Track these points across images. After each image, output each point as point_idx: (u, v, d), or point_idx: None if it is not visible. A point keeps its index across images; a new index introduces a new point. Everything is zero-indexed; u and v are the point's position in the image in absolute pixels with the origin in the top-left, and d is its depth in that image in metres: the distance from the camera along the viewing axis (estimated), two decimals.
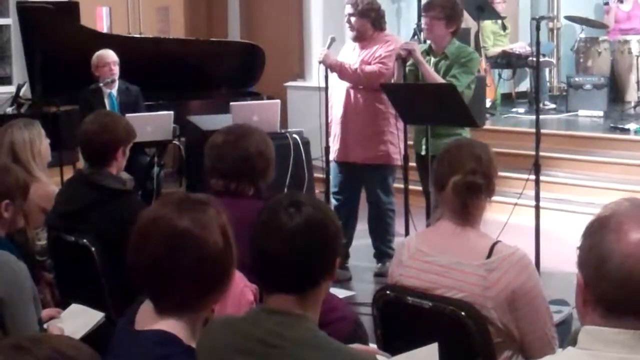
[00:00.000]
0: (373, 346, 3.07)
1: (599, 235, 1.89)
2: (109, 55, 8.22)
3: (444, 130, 6.20)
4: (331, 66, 6.94)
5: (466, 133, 6.31)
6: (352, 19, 6.93)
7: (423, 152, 6.35)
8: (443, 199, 3.47)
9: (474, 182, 3.39)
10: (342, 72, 6.95)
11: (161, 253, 2.26)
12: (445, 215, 3.46)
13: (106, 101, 8.20)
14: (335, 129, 7.13)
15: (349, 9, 6.95)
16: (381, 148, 6.96)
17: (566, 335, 3.16)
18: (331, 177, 7.18)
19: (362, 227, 7.56)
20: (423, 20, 6.56)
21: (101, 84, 8.11)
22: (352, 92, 7.01)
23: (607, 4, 12.48)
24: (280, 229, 2.43)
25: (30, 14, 9.13)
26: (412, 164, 6.51)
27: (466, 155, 3.45)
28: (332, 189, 7.20)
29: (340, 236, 2.55)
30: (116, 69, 8.21)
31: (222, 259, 2.31)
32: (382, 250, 7.11)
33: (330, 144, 7.10)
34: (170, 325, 2.28)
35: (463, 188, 3.38)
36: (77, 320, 4.08)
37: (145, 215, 2.34)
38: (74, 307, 4.21)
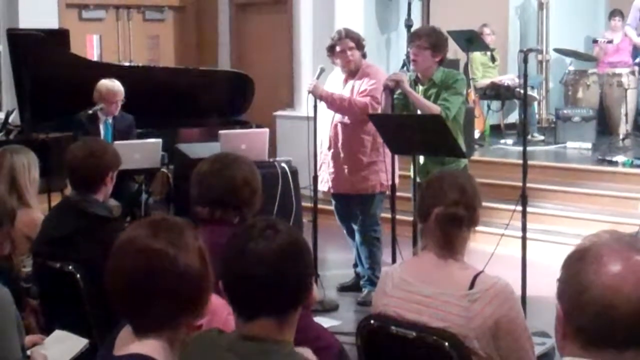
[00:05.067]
0: None
1: (578, 267, 1.89)
2: (120, 92, 8.21)
3: (441, 158, 6.22)
4: (321, 97, 6.96)
5: (463, 161, 6.32)
6: (351, 53, 6.99)
7: (419, 180, 6.36)
8: (426, 229, 3.48)
9: (456, 214, 3.39)
10: (332, 103, 6.99)
11: (137, 272, 2.28)
12: (429, 246, 3.47)
13: (101, 127, 8.21)
14: (323, 160, 7.18)
15: (348, 43, 7.01)
16: (373, 178, 7.04)
17: None
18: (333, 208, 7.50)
19: (349, 256, 7.58)
20: (410, 51, 6.60)
21: (98, 109, 8.10)
22: (339, 124, 7.07)
23: (595, 42, 12.53)
24: (262, 251, 2.42)
25: (20, 41, 9.11)
26: (400, 193, 6.52)
27: (449, 186, 3.45)
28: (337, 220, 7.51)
29: (312, 256, 2.57)
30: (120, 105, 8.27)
31: (197, 278, 2.32)
32: (368, 278, 7.13)
33: (318, 173, 7.16)
34: (148, 346, 2.29)
35: (445, 219, 3.38)
36: (61, 347, 4.06)
37: (121, 237, 2.36)
38: (58, 334, 4.19)
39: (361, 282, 7.28)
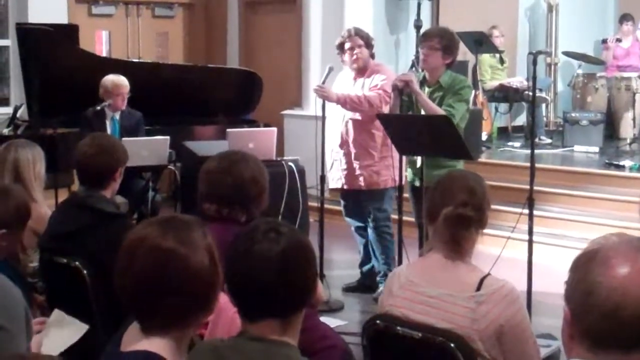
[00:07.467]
0: None
1: (586, 269, 1.90)
2: (125, 85, 8.19)
3: (438, 162, 6.22)
4: (338, 100, 6.98)
5: (460, 165, 6.32)
6: (359, 50, 7.02)
7: (417, 183, 6.40)
8: (434, 230, 3.48)
9: (464, 215, 3.39)
10: (351, 103, 6.99)
11: (146, 272, 2.28)
12: (436, 247, 3.46)
13: (108, 123, 8.21)
14: (335, 158, 7.19)
15: (357, 40, 7.04)
16: (384, 173, 7.07)
17: None
18: (341, 207, 7.50)
19: (355, 257, 7.57)
20: (420, 51, 6.58)
21: (106, 105, 8.11)
22: (350, 121, 7.08)
23: (605, 42, 12.53)
24: (267, 254, 2.44)
25: (30, 35, 9.12)
26: (407, 194, 6.52)
27: (458, 187, 3.45)
28: (345, 218, 7.51)
29: (315, 258, 2.59)
30: (126, 98, 8.27)
31: (207, 277, 2.32)
32: (385, 274, 7.09)
33: (327, 172, 7.16)
34: (155, 345, 2.29)
35: (453, 220, 3.38)
36: (61, 333, 4.02)
37: (130, 236, 2.36)
38: (57, 315, 4.11)
39: (377, 278, 7.22)
